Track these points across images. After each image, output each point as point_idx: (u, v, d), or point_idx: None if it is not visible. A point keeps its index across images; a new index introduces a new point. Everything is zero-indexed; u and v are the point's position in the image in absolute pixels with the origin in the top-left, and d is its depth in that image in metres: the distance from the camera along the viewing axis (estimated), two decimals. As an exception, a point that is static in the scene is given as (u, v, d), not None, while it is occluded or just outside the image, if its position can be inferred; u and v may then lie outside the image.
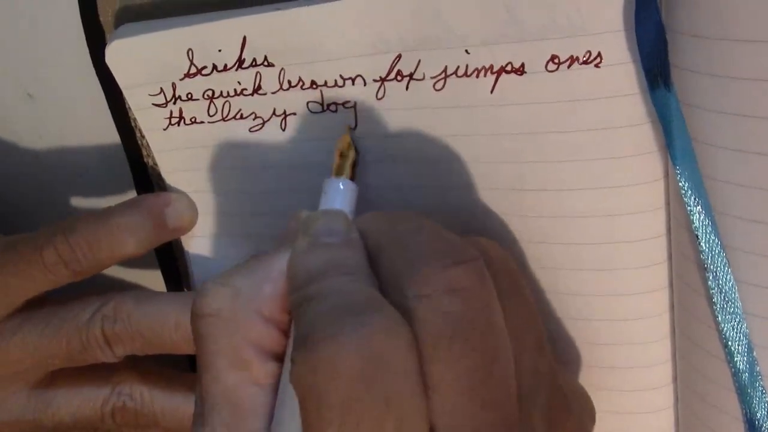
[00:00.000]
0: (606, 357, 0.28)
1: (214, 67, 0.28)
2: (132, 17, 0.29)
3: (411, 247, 0.22)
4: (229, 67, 0.28)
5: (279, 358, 0.23)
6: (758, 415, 0.26)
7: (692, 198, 0.25)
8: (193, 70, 0.29)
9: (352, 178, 0.27)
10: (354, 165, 0.27)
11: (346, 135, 0.28)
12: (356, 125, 0.28)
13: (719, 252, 0.25)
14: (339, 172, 0.27)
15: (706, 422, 0.27)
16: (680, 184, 0.25)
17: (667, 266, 0.27)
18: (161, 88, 0.29)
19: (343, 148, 0.27)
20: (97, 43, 0.30)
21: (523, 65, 0.25)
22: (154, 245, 0.30)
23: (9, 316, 0.30)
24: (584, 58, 0.25)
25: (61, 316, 0.30)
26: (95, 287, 0.31)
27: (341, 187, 0.26)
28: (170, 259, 0.33)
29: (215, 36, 0.28)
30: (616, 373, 0.29)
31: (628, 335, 0.28)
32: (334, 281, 0.22)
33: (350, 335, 0.20)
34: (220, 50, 0.28)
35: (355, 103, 0.28)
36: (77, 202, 0.34)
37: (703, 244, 0.25)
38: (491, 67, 0.26)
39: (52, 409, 0.31)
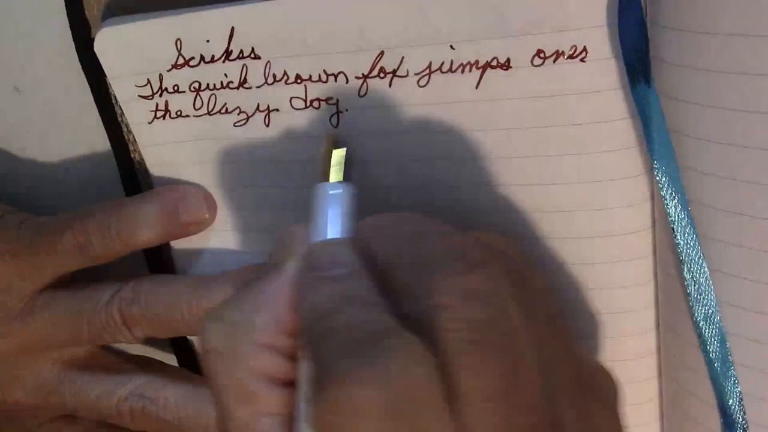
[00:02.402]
0: (591, 351, 0.27)
1: (202, 58, 0.27)
2: (119, 13, 0.28)
3: (420, 254, 0.20)
4: (216, 58, 0.27)
5: (289, 385, 0.21)
6: (730, 402, 0.25)
7: (669, 192, 0.24)
8: (181, 60, 0.27)
9: (347, 179, 0.24)
10: (346, 164, 0.24)
11: (328, 136, 0.25)
12: (338, 123, 0.26)
13: (694, 245, 0.25)
14: (325, 177, 0.24)
15: (687, 412, 0.26)
16: (658, 178, 0.24)
17: (652, 260, 0.26)
18: (148, 79, 0.28)
19: (325, 152, 0.24)
20: (82, 38, 0.28)
21: (508, 60, 0.24)
22: (169, 238, 0.29)
23: (40, 291, 0.30)
24: (570, 53, 0.24)
25: (84, 297, 0.29)
26: (122, 269, 0.30)
27: (330, 192, 0.23)
28: (156, 253, 0.31)
29: (204, 26, 0.26)
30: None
31: (613, 329, 0.27)
32: (346, 315, 0.20)
33: (369, 369, 0.18)
34: (208, 41, 0.26)
35: (338, 100, 0.26)
36: (64, 196, 0.32)
37: (678, 236, 0.25)
38: (476, 62, 0.24)
39: (75, 391, 0.30)
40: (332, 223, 0.23)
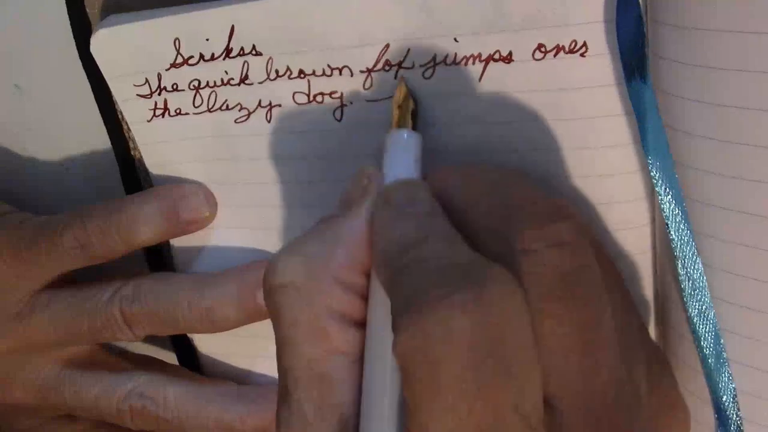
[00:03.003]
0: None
1: (201, 56, 0.27)
2: (119, 10, 0.28)
3: (506, 200, 0.20)
4: (216, 56, 0.27)
5: (360, 325, 0.21)
6: (724, 399, 0.25)
7: (663, 188, 0.25)
8: (180, 59, 0.27)
9: (414, 129, 0.24)
10: (414, 115, 0.25)
11: (402, 86, 0.25)
12: (342, 116, 0.27)
13: (688, 241, 0.25)
14: (401, 124, 0.24)
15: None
16: (652, 174, 0.24)
17: (652, 255, 0.26)
18: (146, 79, 0.28)
19: (399, 100, 0.25)
20: (83, 36, 0.28)
21: (510, 53, 0.24)
22: (169, 236, 0.29)
23: (40, 290, 0.29)
24: (570, 47, 0.24)
25: (85, 295, 0.29)
26: (122, 268, 0.30)
27: (405, 137, 0.24)
28: (157, 252, 0.31)
29: (203, 25, 0.26)
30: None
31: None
32: (431, 246, 0.19)
33: (464, 294, 0.17)
34: (207, 39, 0.26)
35: (342, 94, 0.26)
36: (65, 194, 0.32)
37: (672, 232, 0.25)
38: (479, 55, 0.25)
39: (75, 390, 0.30)
40: (407, 166, 0.23)
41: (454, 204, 0.21)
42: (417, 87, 0.26)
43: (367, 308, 0.21)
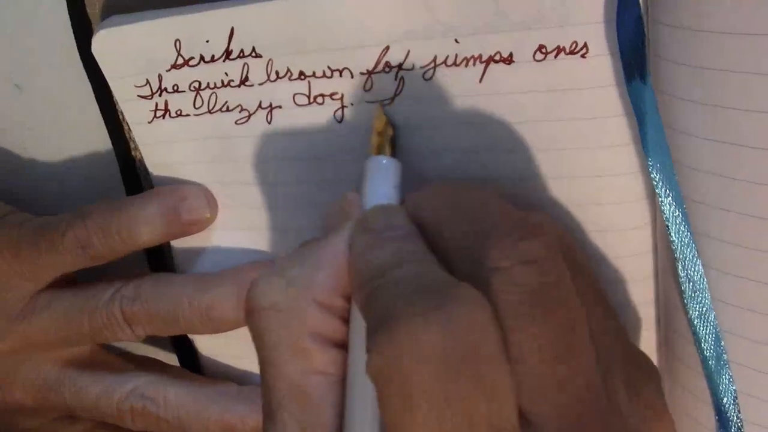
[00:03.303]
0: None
1: (201, 58, 0.27)
2: (120, 10, 0.28)
3: (479, 220, 0.21)
4: (216, 58, 0.27)
5: (341, 346, 0.22)
6: (725, 401, 0.25)
7: (663, 189, 0.25)
8: (180, 61, 0.27)
9: (393, 155, 0.25)
10: (393, 142, 0.25)
11: (381, 114, 0.26)
12: (342, 118, 0.27)
13: (688, 242, 0.25)
14: (380, 151, 0.25)
15: (684, 409, 0.26)
16: (652, 175, 0.24)
17: (653, 256, 0.26)
18: (147, 80, 0.28)
19: (379, 127, 0.25)
20: (84, 36, 0.28)
21: (511, 54, 0.24)
22: (170, 237, 0.29)
23: (41, 291, 0.30)
24: (570, 48, 0.24)
25: (86, 295, 0.29)
26: (122, 269, 0.30)
27: (384, 162, 0.24)
28: (157, 252, 0.31)
29: (203, 26, 0.26)
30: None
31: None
32: (404, 269, 0.20)
33: (434, 312, 0.18)
34: (207, 41, 0.27)
35: (342, 95, 0.26)
36: (65, 194, 0.32)
37: (673, 234, 0.25)
38: (480, 56, 0.25)
39: (75, 391, 0.30)
40: (386, 191, 0.24)
41: (430, 227, 0.22)
42: (417, 88, 0.26)
43: (348, 330, 0.22)
